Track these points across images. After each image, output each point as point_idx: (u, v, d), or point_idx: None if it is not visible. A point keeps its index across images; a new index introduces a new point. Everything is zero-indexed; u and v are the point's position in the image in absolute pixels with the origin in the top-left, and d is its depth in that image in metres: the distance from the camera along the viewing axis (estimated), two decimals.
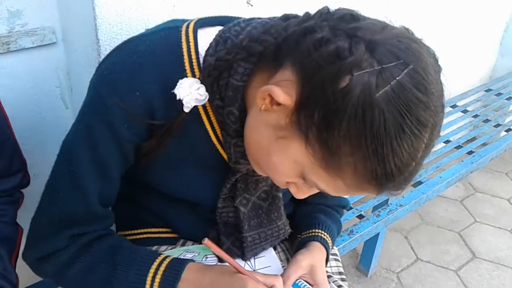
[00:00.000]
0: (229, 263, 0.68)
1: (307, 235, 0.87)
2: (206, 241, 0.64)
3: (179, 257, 0.78)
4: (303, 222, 0.91)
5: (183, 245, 0.86)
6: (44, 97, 1.06)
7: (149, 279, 0.68)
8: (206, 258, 0.79)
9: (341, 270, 1.00)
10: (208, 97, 0.63)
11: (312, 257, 0.81)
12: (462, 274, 1.92)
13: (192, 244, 0.86)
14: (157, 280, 0.68)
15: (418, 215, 2.22)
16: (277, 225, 0.82)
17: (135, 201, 0.87)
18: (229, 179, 0.74)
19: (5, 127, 0.76)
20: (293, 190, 0.64)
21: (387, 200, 1.54)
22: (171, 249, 0.85)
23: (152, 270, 0.69)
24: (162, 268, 0.69)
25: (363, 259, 1.86)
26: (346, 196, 0.60)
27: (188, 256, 0.79)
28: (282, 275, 0.77)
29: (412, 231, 2.14)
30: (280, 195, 0.80)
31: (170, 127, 0.65)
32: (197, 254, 0.80)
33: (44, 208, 0.72)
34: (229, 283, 0.67)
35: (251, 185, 0.75)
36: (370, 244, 1.76)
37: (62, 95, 1.08)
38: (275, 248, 0.88)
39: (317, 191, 0.63)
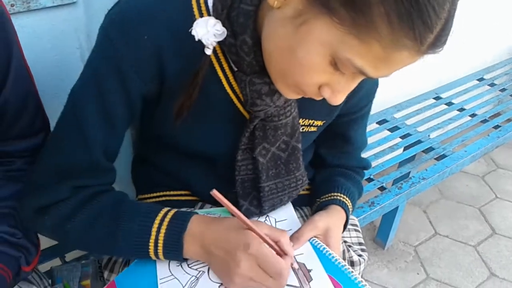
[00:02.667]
0: (236, 216, 0.67)
1: (326, 198, 0.86)
2: (214, 191, 0.63)
3: None
4: (322, 186, 0.90)
5: (201, 207, 0.86)
6: (64, 58, 1.04)
7: (154, 230, 0.67)
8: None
9: (361, 240, 0.99)
10: (226, 32, 0.62)
11: (329, 220, 0.80)
12: (481, 250, 1.90)
13: (211, 207, 0.85)
14: (163, 231, 0.67)
15: (438, 190, 2.19)
16: (295, 175, 0.81)
17: (153, 163, 0.87)
18: (247, 127, 0.72)
19: (29, 82, 0.75)
20: (327, 94, 0.60)
21: (409, 173, 1.51)
22: (190, 211, 0.85)
23: (157, 222, 0.68)
24: (167, 220, 0.68)
25: (380, 232, 1.85)
26: (385, 74, 0.56)
27: None
28: (296, 232, 0.76)
29: (431, 205, 2.11)
30: (300, 146, 0.78)
31: (196, 75, 0.65)
32: (218, 217, 0.79)
33: (47, 157, 0.70)
34: (233, 240, 0.66)
35: (270, 132, 0.73)
36: (389, 217, 1.74)
37: (82, 57, 1.07)
38: None
39: (355, 84, 0.60)
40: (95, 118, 0.67)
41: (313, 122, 0.81)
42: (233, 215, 0.70)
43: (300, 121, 0.78)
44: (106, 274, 0.88)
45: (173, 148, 0.80)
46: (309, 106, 0.77)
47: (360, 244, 0.98)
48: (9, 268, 0.68)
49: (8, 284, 0.69)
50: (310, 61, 0.56)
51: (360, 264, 0.92)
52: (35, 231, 0.73)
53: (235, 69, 0.68)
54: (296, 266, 0.71)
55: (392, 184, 1.42)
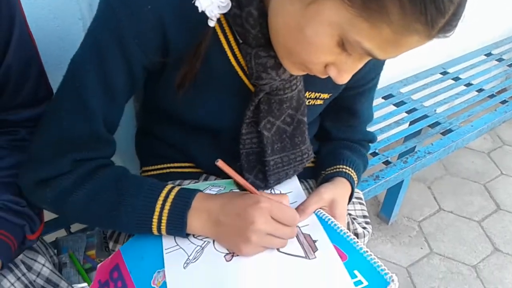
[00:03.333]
0: (242, 184, 0.66)
1: (331, 171, 0.86)
2: (219, 161, 0.63)
3: (203, 190, 0.77)
4: (327, 159, 0.90)
5: (205, 179, 0.85)
6: (67, 29, 1.03)
7: (158, 207, 0.67)
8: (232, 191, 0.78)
9: (366, 213, 0.99)
10: (230, 3, 0.61)
11: (335, 191, 0.79)
12: (485, 225, 1.90)
13: (215, 179, 0.85)
14: (167, 208, 0.67)
15: (443, 166, 2.18)
16: (301, 149, 0.80)
17: (157, 135, 0.87)
18: (252, 100, 0.71)
19: (32, 48, 0.74)
20: (333, 73, 0.60)
21: (415, 147, 1.50)
22: (194, 183, 0.85)
23: (161, 198, 0.67)
24: (171, 196, 0.67)
25: (384, 207, 1.85)
26: (393, 56, 0.55)
27: (214, 190, 0.78)
28: (302, 204, 0.76)
29: (435, 181, 2.10)
30: (305, 119, 0.77)
31: (199, 46, 0.64)
32: (222, 189, 0.78)
33: (47, 128, 0.69)
34: (241, 202, 0.66)
35: (275, 106, 0.72)
36: (393, 192, 1.74)
37: (85, 27, 1.05)
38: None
39: (361, 65, 0.59)
40: (95, 88, 0.66)
41: (319, 95, 0.80)
42: (238, 185, 0.70)
43: (306, 94, 0.77)
44: (111, 244, 0.88)
45: (177, 120, 0.79)
46: (315, 79, 0.75)
47: (364, 217, 0.98)
48: (14, 236, 0.69)
49: (14, 252, 0.70)
50: (317, 41, 0.55)
51: (364, 237, 0.92)
52: (36, 203, 0.73)
53: (241, 41, 0.66)
54: (301, 237, 0.71)
55: (397, 158, 1.41)
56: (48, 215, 0.93)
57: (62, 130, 0.68)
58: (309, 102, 0.79)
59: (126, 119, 1.09)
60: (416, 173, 1.64)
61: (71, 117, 0.67)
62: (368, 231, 0.93)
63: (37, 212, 0.74)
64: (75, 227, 1.07)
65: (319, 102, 0.82)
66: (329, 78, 0.62)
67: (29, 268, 0.75)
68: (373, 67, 0.82)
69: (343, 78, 0.60)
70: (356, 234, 0.91)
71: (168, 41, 0.65)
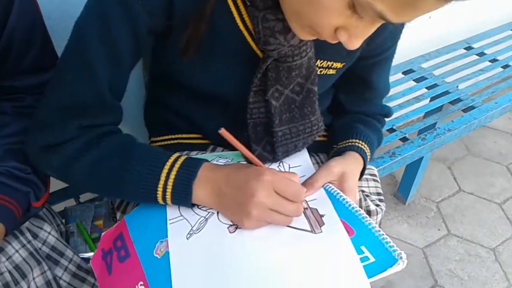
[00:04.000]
0: (245, 155, 0.64)
1: (343, 145, 0.83)
2: (222, 130, 0.60)
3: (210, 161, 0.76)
4: (340, 132, 0.87)
5: (212, 151, 0.84)
6: None
7: (163, 175, 0.65)
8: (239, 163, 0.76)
9: (380, 191, 0.96)
10: None
11: (345, 165, 0.76)
12: (506, 208, 1.84)
13: (222, 150, 0.83)
14: (172, 176, 0.65)
15: (464, 146, 2.12)
16: (310, 120, 0.77)
17: (165, 105, 0.85)
18: (259, 67, 0.68)
19: (36, 12, 0.72)
20: (344, 38, 0.57)
21: (435, 124, 1.45)
22: (202, 154, 0.83)
23: (166, 167, 0.65)
24: (177, 165, 0.66)
25: (402, 186, 1.81)
26: (407, 19, 0.52)
27: (221, 161, 0.77)
28: (310, 177, 0.73)
29: (456, 161, 2.05)
30: (315, 89, 0.74)
31: (204, 7, 0.62)
32: (230, 160, 0.76)
33: (52, 93, 0.68)
34: (244, 174, 0.63)
35: (283, 73, 0.69)
36: (411, 170, 1.70)
37: None
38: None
39: (373, 29, 0.56)
40: (99, 51, 0.64)
41: (332, 64, 0.77)
42: (245, 157, 0.67)
43: (318, 62, 0.74)
44: (118, 215, 0.88)
45: (184, 88, 0.78)
46: (327, 47, 0.71)
47: (378, 194, 0.95)
48: (18, 203, 0.68)
49: (19, 220, 0.70)
50: (327, 2, 0.52)
51: (377, 214, 0.89)
52: (41, 169, 0.72)
53: (248, 3, 0.63)
54: (308, 211, 0.68)
55: (416, 136, 1.37)
56: (57, 185, 0.93)
57: (67, 95, 0.67)
58: (320, 71, 0.76)
59: (134, 89, 1.08)
60: (436, 153, 1.59)
61: (76, 81, 0.66)
62: (381, 209, 0.90)
63: (43, 179, 0.74)
64: (84, 197, 1.07)
65: (331, 71, 0.78)
66: (342, 46, 0.59)
67: (35, 236, 0.75)
68: (390, 36, 0.78)
69: (354, 43, 0.57)
70: (369, 211, 0.88)
71: (173, 2, 0.63)
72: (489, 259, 1.65)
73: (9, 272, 0.68)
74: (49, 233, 0.77)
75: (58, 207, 0.97)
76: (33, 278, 0.72)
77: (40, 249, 0.75)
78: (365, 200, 0.89)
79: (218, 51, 0.69)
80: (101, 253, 0.72)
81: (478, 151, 2.11)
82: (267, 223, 0.64)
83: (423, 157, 1.51)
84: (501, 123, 2.24)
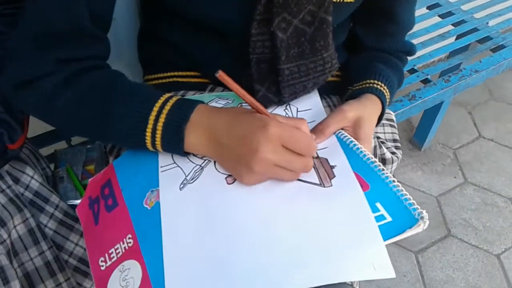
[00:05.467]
0: (248, 102, 0.55)
1: (360, 86, 0.73)
2: (220, 73, 0.51)
3: (208, 103, 0.67)
4: (356, 72, 0.76)
5: (211, 90, 0.75)
6: None
7: (151, 118, 0.57)
8: (241, 106, 0.67)
9: (396, 137, 0.87)
10: None
11: (361, 109, 0.67)
12: None
13: (222, 90, 0.74)
14: (161, 120, 0.57)
15: (488, 90, 1.99)
16: (322, 56, 0.67)
17: (160, 37, 0.76)
18: None
19: None
20: None
21: (459, 64, 1.33)
22: (200, 94, 0.74)
23: (155, 109, 0.57)
24: (167, 107, 0.57)
25: (418, 131, 1.71)
26: None
27: (221, 103, 0.68)
28: (320, 123, 0.64)
29: (478, 106, 1.93)
30: (330, 19, 0.64)
31: None
32: (230, 102, 0.68)
33: (27, 20, 0.59)
34: (246, 123, 0.55)
35: None
36: (430, 115, 1.60)
37: None
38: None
39: None
40: None
41: None
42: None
43: None
44: (111, 159, 0.81)
45: (179, 17, 0.68)
46: None
47: (394, 141, 0.87)
48: None
49: None
50: None
51: (392, 163, 0.81)
52: (17, 107, 0.64)
53: None
54: (317, 161, 0.60)
55: (439, 77, 1.25)
56: (47, 125, 0.86)
57: (42, 22, 0.58)
58: None
59: (128, 18, 0.97)
60: (457, 97, 1.48)
61: (50, 5, 0.57)
62: (397, 157, 0.82)
63: (19, 120, 0.67)
64: (76, 139, 1.00)
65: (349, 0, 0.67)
66: None
67: (16, 180, 0.69)
68: None
69: None
70: (384, 160, 0.80)
71: None
72: (506, 209, 1.58)
73: None
74: (32, 177, 0.71)
75: (47, 150, 0.91)
76: (14, 226, 0.66)
77: (22, 194, 0.70)
78: (380, 147, 0.81)
79: None
80: (88, 201, 0.66)
81: (501, 95, 1.99)
82: (269, 179, 0.56)
83: (443, 101, 1.40)
84: None
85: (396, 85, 0.80)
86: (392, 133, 0.87)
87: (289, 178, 0.56)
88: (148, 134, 0.58)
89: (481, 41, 1.39)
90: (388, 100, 0.75)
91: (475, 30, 1.41)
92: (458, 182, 1.65)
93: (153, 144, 0.59)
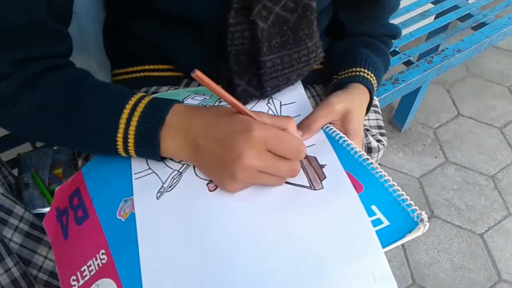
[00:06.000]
0: (227, 101, 0.50)
1: (346, 75, 0.68)
2: (196, 73, 0.46)
3: (184, 100, 0.61)
4: (341, 59, 0.71)
5: (186, 85, 0.69)
6: None
7: (122, 122, 0.51)
8: (220, 103, 0.62)
9: (381, 123, 0.84)
10: None
11: (350, 101, 0.62)
12: (507, 132, 1.75)
13: (198, 85, 0.68)
14: (134, 123, 0.51)
15: (465, 67, 1.98)
16: (307, 46, 0.62)
17: (127, 29, 0.69)
18: None
19: None
20: None
21: (439, 45, 1.30)
22: (174, 89, 0.68)
23: (126, 111, 0.52)
24: (140, 108, 0.52)
25: (398, 113, 1.69)
26: None
27: (197, 99, 0.62)
28: (307, 117, 0.60)
29: (455, 84, 1.92)
30: (314, 4, 0.58)
31: None
32: (208, 98, 0.62)
33: None
34: (227, 126, 0.49)
35: None
36: (409, 97, 1.57)
37: None
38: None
39: None
40: None
41: None
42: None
43: None
44: (80, 162, 0.74)
45: (146, 7, 0.61)
46: None
47: (379, 127, 0.83)
48: None
49: None
50: None
51: (378, 151, 0.77)
52: None
53: None
54: (305, 160, 0.55)
55: (418, 59, 1.22)
56: None
57: None
58: None
59: (92, 9, 0.90)
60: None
61: (5, 2, 0.50)
62: (383, 144, 0.79)
63: None
64: None
65: None
66: None
67: None
68: None
69: None
70: (370, 149, 0.76)
71: None
72: (488, 187, 1.58)
73: None
74: None
75: (9, 154, 0.83)
76: None
77: None
78: (366, 136, 0.77)
79: None
80: (56, 213, 0.60)
81: (479, 71, 1.98)
82: (254, 185, 0.51)
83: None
84: (505, 42, 2.08)
85: (382, 72, 0.76)
86: (376, 119, 0.83)
87: (275, 183, 0.52)
88: (120, 139, 0.53)
89: (462, 19, 1.36)
90: (375, 88, 0.71)
91: (455, 7, 1.38)
92: (439, 162, 1.64)
93: (126, 150, 0.53)
